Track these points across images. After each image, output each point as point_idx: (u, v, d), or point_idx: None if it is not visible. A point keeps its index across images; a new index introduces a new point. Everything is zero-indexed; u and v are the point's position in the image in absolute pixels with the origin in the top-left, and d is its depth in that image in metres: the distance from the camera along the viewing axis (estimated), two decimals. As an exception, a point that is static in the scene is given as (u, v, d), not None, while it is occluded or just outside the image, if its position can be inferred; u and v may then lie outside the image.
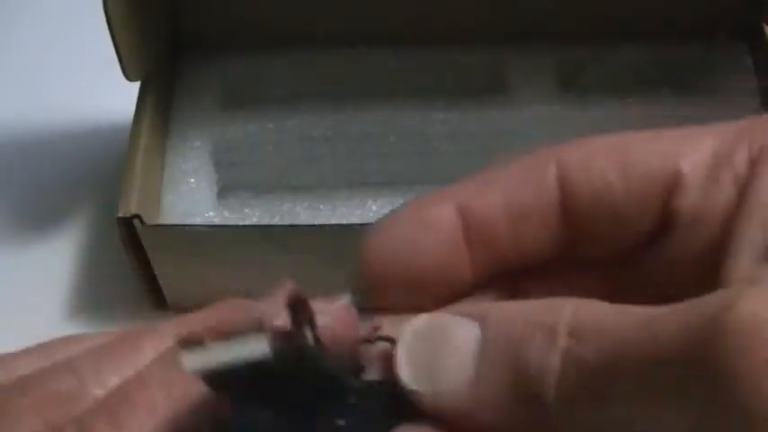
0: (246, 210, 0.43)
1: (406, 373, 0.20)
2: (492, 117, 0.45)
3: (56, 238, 0.47)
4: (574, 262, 0.21)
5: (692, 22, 0.46)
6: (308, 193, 0.44)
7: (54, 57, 0.56)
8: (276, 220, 0.43)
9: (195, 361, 0.19)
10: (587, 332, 0.18)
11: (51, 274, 0.45)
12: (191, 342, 0.20)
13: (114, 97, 0.44)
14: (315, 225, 0.42)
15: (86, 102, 0.52)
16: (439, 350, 0.20)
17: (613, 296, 0.19)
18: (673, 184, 0.21)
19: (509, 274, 0.22)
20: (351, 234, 0.39)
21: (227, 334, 0.20)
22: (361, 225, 0.41)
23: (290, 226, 0.42)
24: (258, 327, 0.20)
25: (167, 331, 0.24)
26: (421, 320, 0.21)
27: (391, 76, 0.46)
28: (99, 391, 0.23)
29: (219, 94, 0.46)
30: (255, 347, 0.19)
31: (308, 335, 0.21)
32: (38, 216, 0.48)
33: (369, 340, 0.22)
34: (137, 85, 0.43)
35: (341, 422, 0.21)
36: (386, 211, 0.43)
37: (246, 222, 0.43)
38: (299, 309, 0.21)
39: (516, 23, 0.46)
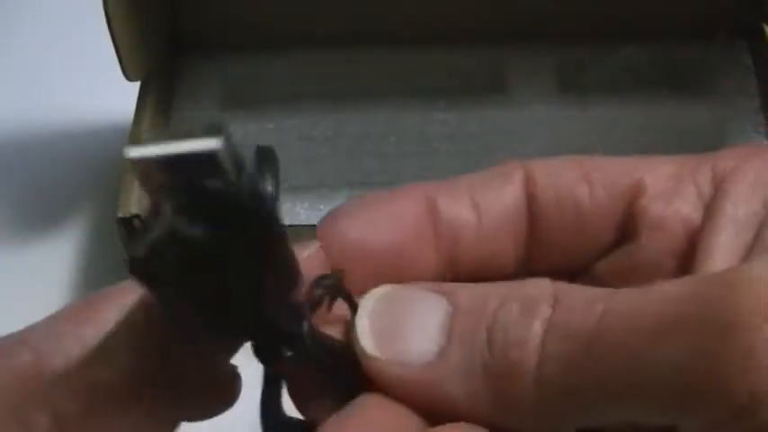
0: (246, 210, 0.43)
1: (368, 341, 0.20)
2: (492, 117, 0.45)
3: (56, 238, 0.47)
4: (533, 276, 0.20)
5: (691, 22, 0.46)
6: (308, 192, 0.44)
7: (54, 57, 0.56)
8: (276, 220, 0.43)
9: (138, 151, 0.16)
10: (573, 301, 0.18)
11: (51, 274, 0.45)
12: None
13: (114, 97, 0.44)
14: (315, 225, 0.42)
15: (86, 102, 0.52)
16: (402, 321, 0.20)
17: None
18: (636, 193, 0.21)
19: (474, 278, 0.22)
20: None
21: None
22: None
23: (290, 226, 0.42)
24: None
25: (125, 292, 0.22)
26: (384, 290, 0.21)
27: (391, 76, 0.46)
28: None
29: (219, 93, 0.46)
30: (206, 144, 0.16)
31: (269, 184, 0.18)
32: (38, 216, 0.48)
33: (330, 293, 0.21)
34: (137, 85, 0.43)
35: (288, 353, 0.20)
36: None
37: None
38: (264, 158, 0.18)
39: (516, 23, 0.46)
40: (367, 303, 0.20)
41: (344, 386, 0.20)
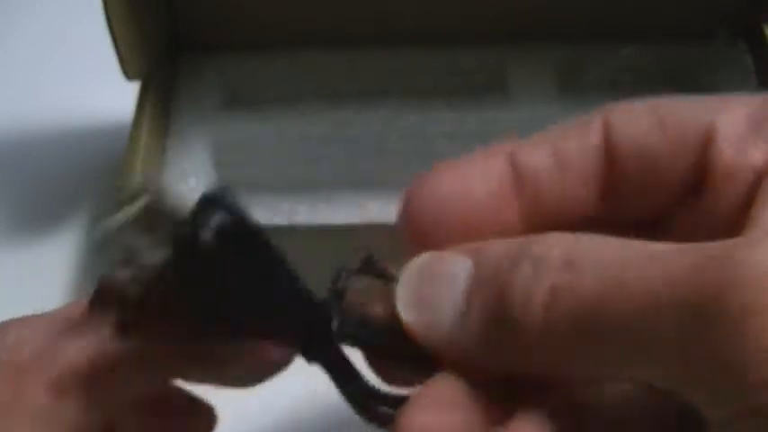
0: (246, 210, 0.43)
1: (403, 306, 0.21)
2: (491, 117, 0.45)
3: (55, 239, 0.47)
4: (609, 227, 0.21)
5: (691, 22, 0.46)
6: (308, 192, 0.44)
7: (53, 57, 0.56)
8: (276, 220, 0.43)
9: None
10: (583, 263, 0.18)
11: (51, 274, 0.45)
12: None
13: (114, 97, 0.44)
14: (315, 225, 0.42)
15: (86, 102, 0.52)
16: (435, 284, 0.21)
17: None
18: (708, 139, 0.21)
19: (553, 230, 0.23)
20: (351, 234, 0.39)
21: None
22: (362, 225, 0.41)
23: (290, 226, 0.42)
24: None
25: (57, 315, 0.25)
26: (421, 258, 0.21)
27: (391, 76, 0.46)
28: None
29: (219, 94, 0.46)
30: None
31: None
32: (38, 216, 0.48)
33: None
34: (136, 86, 0.43)
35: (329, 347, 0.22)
36: (386, 210, 0.43)
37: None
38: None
39: (516, 23, 0.46)
40: (406, 271, 0.21)
41: (411, 356, 0.21)
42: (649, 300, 0.17)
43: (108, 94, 0.44)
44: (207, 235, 0.20)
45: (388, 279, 0.22)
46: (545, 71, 0.46)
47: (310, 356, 0.22)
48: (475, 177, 0.23)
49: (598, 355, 0.18)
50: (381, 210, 0.43)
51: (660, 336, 0.17)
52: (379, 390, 0.22)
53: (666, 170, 0.21)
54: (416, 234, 0.22)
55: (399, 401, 0.21)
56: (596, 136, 0.22)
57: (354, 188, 0.44)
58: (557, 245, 0.19)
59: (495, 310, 0.19)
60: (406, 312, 0.21)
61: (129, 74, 0.41)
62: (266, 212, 0.43)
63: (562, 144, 0.22)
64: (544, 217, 0.22)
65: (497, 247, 0.20)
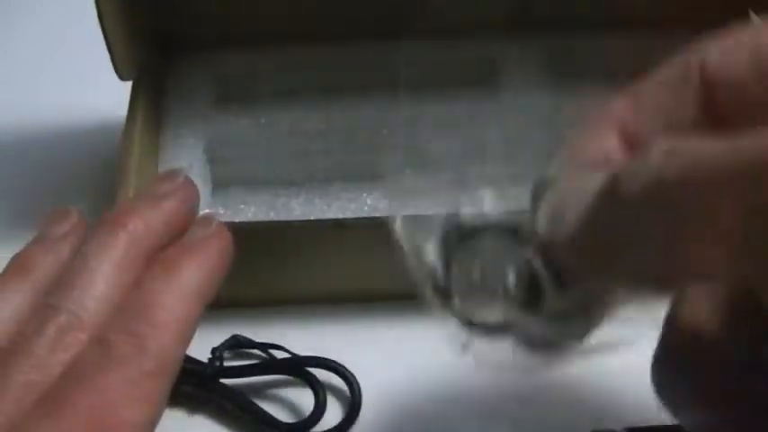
0: (242, 205, 0.44)
1: (541, 221, 0.23)
2: (483, 108, 0.45)
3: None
4: None
5: (679, 9, 0.46)
6: (303, 187, 0.45)
7: (49, 57, 0.56)
8: (271, 216, 0.43)
9: None
10: (682, 149, 0.19)
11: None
12: None
13: (107, 97, 0.44)
14: (310, 220, 0.42)
15: (81, 101, 0.52)
16: (568, 199, 0.22)
17: None
18: None
19: None
20: (347, 228, 0.40)
21: None
22: (357, 218, 0.42)
23: (286, 222, 0.42)
24: None
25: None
26: (563, 181, 0.23)
27: (381, 70, 0.46)
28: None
29: (211, 90, 0.46)
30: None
31: None
32: (32, 214, 0.48)
33: None
34: (128, 84, 0.43)
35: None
36: (381, 203, 0.43)
37: (242, 218, 0.43)
38: None
39: (505, 13, 0.46)
40: (547, 194, 0.23)
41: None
42: (702, 175, 0.18)
43: (103, 93, 0.44)
44: None
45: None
46: (535, 60, 0.46)
47: None
48: (593, 167, 0.23)
49: (681, 239, 0.18)
50: (376, 202, 0.43)
51: (712, 212, 0.17)
52: None
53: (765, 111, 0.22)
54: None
55: None
56: (695, 88, 0.24)
57: (348, 182, 0.44)
58: (664, 142, 0.20)
59: (606, 193, 0.20)
60: (541, 222, 0.22)
61: (122, 73, 0.41)
62: (261, 208, 0.44)
63: (663, 100, 0.24)
64: None
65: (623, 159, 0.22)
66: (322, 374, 0.40)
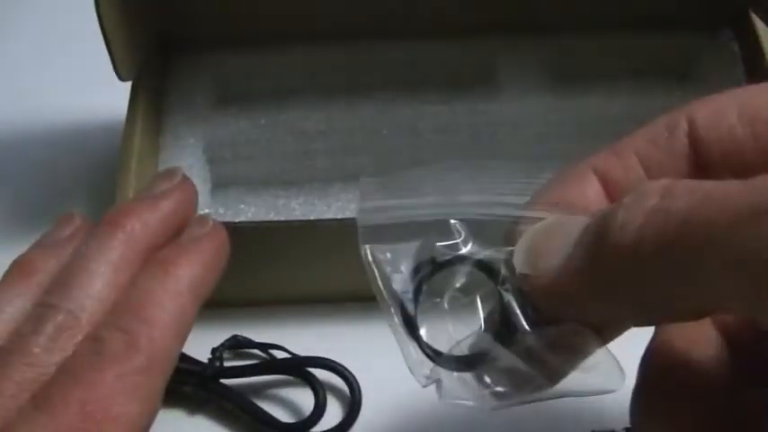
0: (242, 206, 0.44)
1: (519, 260, 0.23)
2: (483, 108, 0.45)
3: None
4: None
5: (678, 9, 0.46)
6: (303, 187, 0.45)
7: (48, 57, 0.56)
8: (271, 216, 0.43)
9: None
10: (679, 190, 0.19)
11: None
12: None
13: (107, 97, 0.44)
14: (310, 220, 0.42)
15: (81, 102, 0.52)
16: (550, 240, 0.22)
17: None
18: None
19: None
20: (347, 228, 0.40)
21: None
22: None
23: (286, 221, 0.42)
24: None
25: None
26: (543, 221, 0.23)
27: (382, 70, 0.46)
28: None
29: (211, 90, 0.46)
30: None
31: None
32: (33, 215, 0.48)
33: None
34: (128, 85, 0.43)
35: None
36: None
37: (242, 218, 0.43)
38: None
39: (505, 14, 0.46)
40: (528, 231, 0.23)
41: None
42: (733, 209, 0.18)
43: (103, 93, 0.44)
44: None
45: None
46: (534, 61, 0.46)
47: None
48: (571, 207, 0.24)
49: (683, 275, 0.18)
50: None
51: (742, 245, 0.17)
52: None
53: (757, 171, 0.22)
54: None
55: None
56: (682, 142, 0.23)
57: (348, 182, 0.44)
58: (657, 182, 0.20)
59: (596, 238, 0.20)
60: (519, 261, 0.22)
61: (121, 74, 0.41)
62: (261, 208, 0.44)
63: (649, 153, 0.24)
64: None
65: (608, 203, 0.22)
66: (322, 374, 0.40)
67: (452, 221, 0.25)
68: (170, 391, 0.28)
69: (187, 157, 0.44)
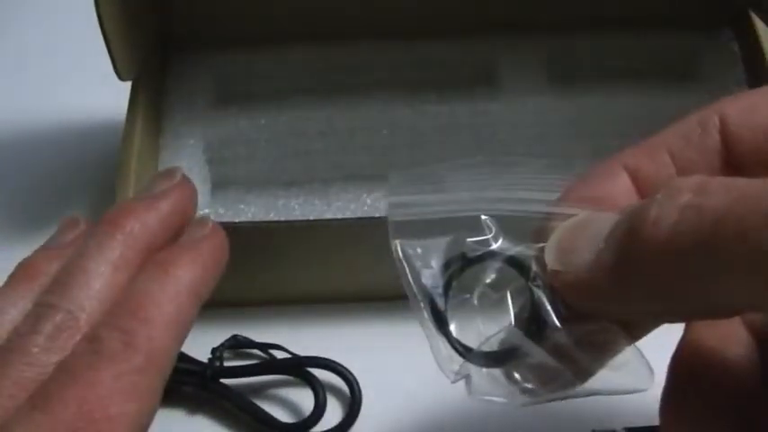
0: (241, 206, 0.44)
1: (550, 257, 0.23)
2: (482, 108, 0.45)
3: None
4: None
5: (678, 9, 0.46)
6: (303, 187, 0.45)
7: (47, 58, 0.56)
8: (271, 216, 0.43)
9: None
10: (713, 187, 0.19)
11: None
12: None
13: (107, 97, 0.44)
14: (310, 219, 0.42)
15: (81, 102, 0.52)
16: (581, 236, 0.22)
17: None
18: None
19: None
20: (346, 228, 0.40)
21: None
22: (357, 219, 0.42)
23: (286, 221, 0.42)
24: None
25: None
26: (573, 217, 0.23)
27: (381, 70, 0.47)
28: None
29: (211, 90, 0.46)
30: None
31: None
32: (33, 215, 0.48)
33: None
34: (128, 85, 0.43)
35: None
36: (380, 203, 0.43)
37: (242, 218, 0.43)
38: None
39: (504, 14, 0.46)
40: (558, 228, 0.23)
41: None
42: (759, 212, 0.18)
43: (103, 93, 0.44)
44: None
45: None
46: (533, 61, 0.46)
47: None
48: (601, 203, 0.24)
49: (715, 272, 0.18)
50: (376, 203, 0.43)
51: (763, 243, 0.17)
52: None
53: None
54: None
55: None
56: (714, 138, 0.23)
57: (348, 182, 0.44)
58: (690, 179, 0.20)
59: (629, 234, 0.20)
60: (550, 258, 0.22)
61: (121, 74, 0.41)
62: (261, 208, 0.44)
63: (680, 150, 0.23)
64: None
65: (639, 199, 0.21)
66: (322, 374, 0.40)
67: (483, 217, 0.25)
68: (170, 390, 0.28)
69: (187, 157, 0.44)
